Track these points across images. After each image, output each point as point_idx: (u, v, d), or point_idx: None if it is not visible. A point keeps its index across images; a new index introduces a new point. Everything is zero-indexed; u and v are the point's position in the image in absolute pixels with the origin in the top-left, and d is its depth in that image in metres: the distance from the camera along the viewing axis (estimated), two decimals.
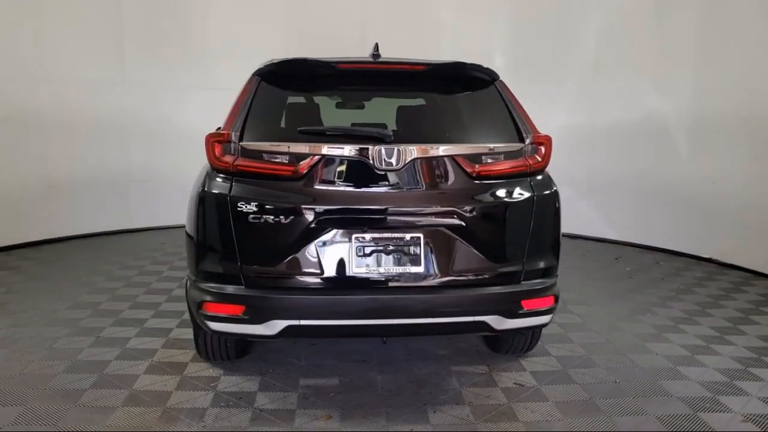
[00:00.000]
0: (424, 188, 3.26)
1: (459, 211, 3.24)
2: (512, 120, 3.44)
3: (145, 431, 3.20)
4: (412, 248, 3.22)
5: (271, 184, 3.20)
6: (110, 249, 7.35)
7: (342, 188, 3.21)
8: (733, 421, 3.40)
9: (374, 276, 3.20)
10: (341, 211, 3.20)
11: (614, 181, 8.00)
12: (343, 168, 3.21)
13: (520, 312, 3.32)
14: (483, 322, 3.29)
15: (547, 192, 3.41)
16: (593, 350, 4.40)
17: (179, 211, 7.99)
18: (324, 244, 3.19)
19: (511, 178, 3.35)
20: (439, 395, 3.68)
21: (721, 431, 3.30)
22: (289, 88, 3.58)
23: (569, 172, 7.44)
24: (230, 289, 3.22)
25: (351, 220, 3.21)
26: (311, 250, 3.19)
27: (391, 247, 3.21)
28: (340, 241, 3.20)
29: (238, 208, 3.15)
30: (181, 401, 3.53)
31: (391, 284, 3.22)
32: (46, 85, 7.54)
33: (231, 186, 3.19)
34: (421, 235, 3.23)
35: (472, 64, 3.55)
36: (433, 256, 3.23)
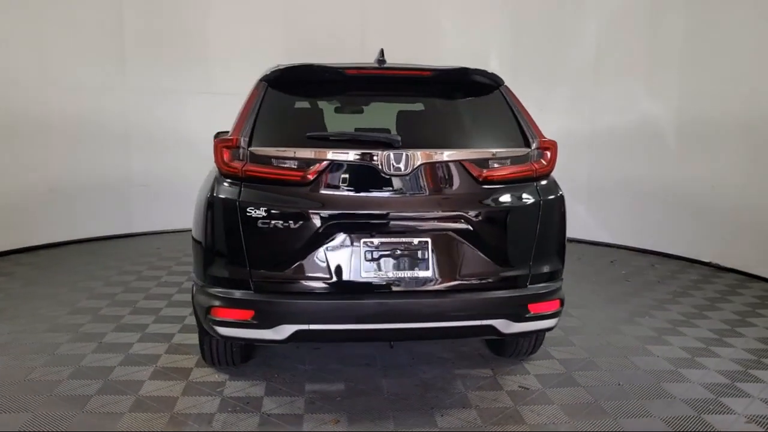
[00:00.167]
0: (431, 193, 3.29)
1: (466, 215, 3.27)
2: (518, 125, 3.47)
3: None
4: (420, 252, 3.24)
5: (280, 189, 3.21)
6: (106, 254, 7.32)
7: (350, 193, 3.23)
8: (737, 423, 3.44)
9: (383, 280, 3.22)
10: (350, 216, 3.22)
11: (608, 184, 8.07)
12: (351, 173, 3.22)
13: (527, 315, 3.35)
14: (490, 326, 3.31)
15: (553, 196, 3.44)
16: (595, 353, 4.44)
17: (177, 216, 8.18)
18: (333, 248, 3.21)
19: (517, 183, 3.38)
20: (445, 399, 3.70)
21: None
22: (297, 93, 3.60)
23: (563, 175, 7.49)
24: (239, 293, 3.23)
25: (359, 225, 3.22)
26: (320, 255, 3.20)
27: (399, 252, 3.23)
28: (348, 246, 3.21)
29: (248, 213, 3.16)
30: (188, 407, 3.52)
31: (399, 288, 3.23)
32: (47, 90, 7.54)
33: (240, 191, 3.20)
34: (429, 240, 3.25)
35: (477, 70, 3.58)
36: (441, 261, 3.25)
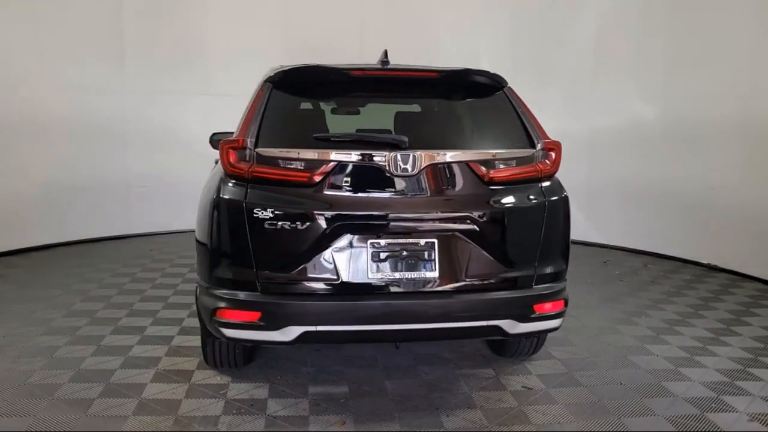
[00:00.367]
0: (438, 194, 3.29)
1: (473, 216, 3.28)
2: (523, 126, 3.48)
3: None
4: (426, 253, 3.24)
5: (287, 190, 3.20)
6: (98, 256, 7.25)
7: (357, 194, 3.23)
8: (740, 421, 3.48)
9: (390, 281, 3.22)
10: (357, 217, 3.21)
11: (600, 185, 8.12)
12: (358, 174, 3.22)
13: (533, 316, 3.36)
14: (497, 327, 3.31)
15: (558, 197, 3.46)
16: (595, 353, 4.46)
17: (176, 217, 8.16)
18: (340, 249, 3.20)
19: (523, 184, 3.40)
20: (450, 399, 3.71)
21: (731, 431, 3.37)
22: (302, 94, 3.60)
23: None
24: (246, 295, 3.21)
25: (367, 226, 3.22)
26: (327, 256, 3.19)
27: (405, 253, 3.23)
28: (355, 247, 3.21)
29: (254, 215, 3.15)
30: (193, 409, 3.50)
31: (406, 289, 3.23)
32: (45, 91, 7.50)
33: (247, 192, 3.18)
34: (435, 241, 3.25)
35: (481, 71, 3.59)
36: (448, 261, 3.26)
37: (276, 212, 3.15)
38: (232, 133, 4.96)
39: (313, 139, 3.35)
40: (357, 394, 3.76)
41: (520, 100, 3.60)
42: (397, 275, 3.22)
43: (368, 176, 3.22)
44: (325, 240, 3.18)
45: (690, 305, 5.70)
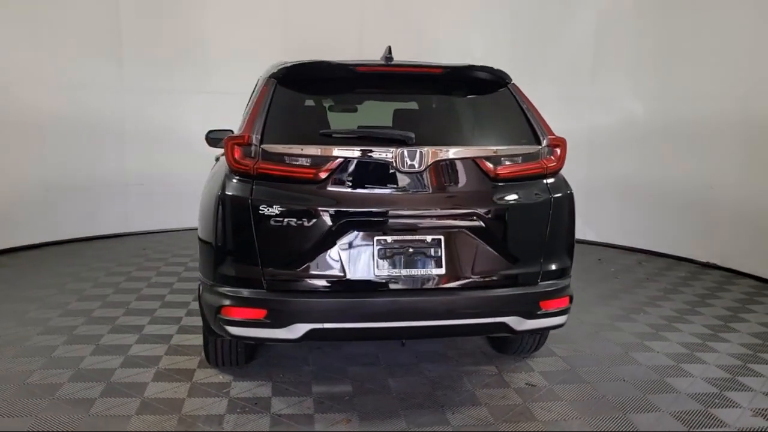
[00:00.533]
0: (445, 190, 3.28)
1: (479, 212, 3.26)
2: (528, 122, 3.48)
3: None
4: (433, 250, 3.23)
5: (293, 186, 3.18)
6: (90, 255, 7.17)
7: (364, 191, 3.20)
8: (744, 416, 3.49)
9: (396, 278, 3.20)
10: (364, 214, 3.19)
11: (595, 183, 8.13)
12: (365, 170, 3.20)
13: (539, 313, 3.35)
14: (503, 323, 3.30)
15: (564, 193, 3.45)
16: (596, 349, 4.47)
17: (173, 215, 8.13)
18: (346, 246, 3.18)
19: (529, 180, 3.39)
20: (454, 397, 3.70)
21: (736, 428, 3.38)
22: (307, 90, 3.56)
23: None
24: (251, 292, 3.18)
25: (373, 223, 3.20)
26: (333, 253, 3.17)
27: (412, 250, 3.21)
28: (362, 244, 3.19)
29: (260, 211, 3.12)
30: (196, 408, 3.47)
31: (413, 286, 3.21)
32: (42, 89, 7.45)
33: (252, 189, 3.15)
34: (441, 237, 3.24)
35: (486, 67, 3.58)
36: (454, 258, 3.24)
37: (282, 209, 3.12)
38: (229, 130, 4.94)
39: (319, 136, 3.33)
40: (361, 392, 3.74)
41: (525, 96, 3.59)
42: (403, 272, 3.20)
43: (375, 173, 3.20)
44: (332, 237, 3.16)
45: (686, 302, 5.73)
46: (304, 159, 3.18)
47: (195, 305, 5.28)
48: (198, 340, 4.46)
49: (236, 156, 3.20)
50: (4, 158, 7.22)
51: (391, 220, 3.22)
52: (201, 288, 3.50)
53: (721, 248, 7.00)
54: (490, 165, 3.29)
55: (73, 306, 5.23)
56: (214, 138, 4.88)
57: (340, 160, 3.17)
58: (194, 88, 8.40)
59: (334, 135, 3.33)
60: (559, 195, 3.43)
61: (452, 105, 3.74)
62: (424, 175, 3.22)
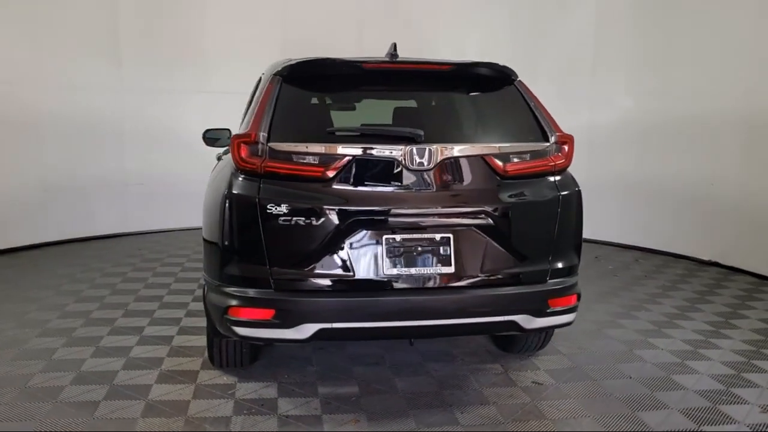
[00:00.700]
0: (454, 188, 3.26)
1: (488, 210, 3.24)
2: (535, 119, 3.46)
3: None
4: (442, 248, 3.20)
5: (301, 185, 3.14)
6: (86, 256, 7.09)
7: (373, 189, 3.17)
8: (753, 413, 3.49)
9: (405, 277, 3.17)
10: (372, 212, 3.16)
11: (595, 181, 8.12)
12: (373, 168, 3.17)
13: (548, 311, 3.33)
14: (513, 322, 3.28)
15: (572, 191, 3.44)
16: (600, 347, 4.47)
17: (173, 215, 8.09)
18: (355, 245, 3.14)
19: (537, 178, 3.37)
20: (461, 396, 3.67)
21: (746, 424, 3.37)
22: (312, 88, 3.52)
23: None
24: (259, 292, 3.14)
25: (382, 221, 3.17)
26: (342, 252, 3.14)
27: (421, 248, 3.19)
28: (371, 243, 3.15)
29: (268, 210, 3.08)
30: (202, 410, 3.42)
31: (422, 285, 3.19)
32: (41, 89, 7.40)
33: (259, 187, 3.11)
34: (450, 236, 3.21)
35: (492, 64, 3.55)
36: (463, 257, 3.22)
37: (290, 208, 3.08)
38: (226, 129, 4.92)
39: (326, 133, 3.30)
40: (367, 392, 3.71)
41: (531, 93, 3.57)
42: (412, 271, 3.17)
43: (383, 171, 3.17)
44: (340, 235, 3.13)
45: (686, 299, 5.74)
46: (311, 157, 3.14)
47: (194, 306, 5.24)
48: (199, 341, 4.42)
49: (243, 154, 3.15)
50: (3, 158, 7.16)
51: (399, 219, 3.19)
52: (206, 288, 3.45)
53: (718, 245, 7.00)
54: (499, 162, 3.27)
55: (71, 307, 5.17)
56: (211, 137, 4.85)
57: (349, 158, 3.13)
58: (194, 87, 8.36)
59: (342, 133, 3.30)
60: (567, 192, 3.41)
61: (459, 102, 3.71)
62: (433, 173, 3.19)
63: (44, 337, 4.46)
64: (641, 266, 7.07)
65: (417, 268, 3.18)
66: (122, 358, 4.10)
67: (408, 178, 3.18)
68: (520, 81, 3.61)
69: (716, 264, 7.01)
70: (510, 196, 3.29)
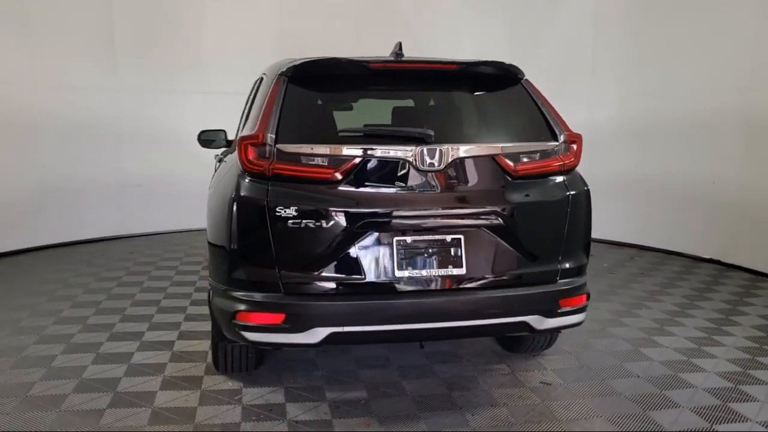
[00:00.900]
0: (464, 189, 3.22)
1: (499, 211, 3.21)
2: (544, 118, 3.43)
3: None
4: (453, 250, 3.16)
5: (310, 187, 3.09)
6: (75, 260, 6.99)
7: (383, 190, 3.13)
8: (764, 410, 3.49)
9: (417, 279, 3.13)
10: (383, 214, 3.11)
11: (593, 180, 8.12)
12: (384, 170, 3.12)
13: (559, 311, 3.31)
14: (524, 323, 3.25)
15: (581, 190, 3.42)
16: (606, 346, 4.45)
17: (171, 216, 8.05)
18: (365, 247, 3.10)
19: (547, 177, 3.35)
20: (471, 398, 3.64)
21: (759, 422, 3.37)
22: (319, 88, 3.46)
23: None
24: (268, 296, 3.09)
25: (392, 223, 3.12)
26: (352, 254, 3.09)
27: (432, 250, 3.15)
28: (381, 245, 3.11)
29: (277, 213, 3.03)
30: (210, 417, 3.37)
31: (434, 287, 3.15)
32: (40, 91, 7.36)
33: (268, 190, 3.06)
34: (461, 237, 3.17)
35: (499, 62, 3.52)
36: (474, 258, 3.18)
37: (299, 210, 3.03)
38: (221, 130, 4.86)
39: (334, 134, 3.26)
40: (376, 395, 3.67)
41: (538, 91, 3.54)
42: (423, 273, 3.13)
43: (393, 171, 3.12)
44: (350, 238, 3.08)
45: (685, 296, 5.75)
46: (320, 159, 3.09)
47: (192, 310, 5.18)
48: (201, 345, 4.37)
49: (250, 156, 3.10)
50: (9, 159, 7.17)
51: (410, 220, 3.15)
52: (212, 293, 3.39)
53: (717, 243, 6.99)
54: (509, 162, 3.24)
55: (66, 313, 5.08)
56: (206, 139, 4.79)
57: (358, 159, 3.09)
58: (189, 87, 8.31)
59: (351, 134, 3.25)
60: (576, 191, 3.39)
61: (467, 101, 3.68)
62: (444, 174, 3.15)
63: (42, 344, 4.37)
64: (637, 264, 7.08)
65: (428, 270, 3.14)
66: (124, 365, 4.03)
67: (418, 179, 3.14)
68: (527, 80, 3.58)
69: (717, 262, 7.01)
70: (520, 196, 3.26)
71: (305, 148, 3.09)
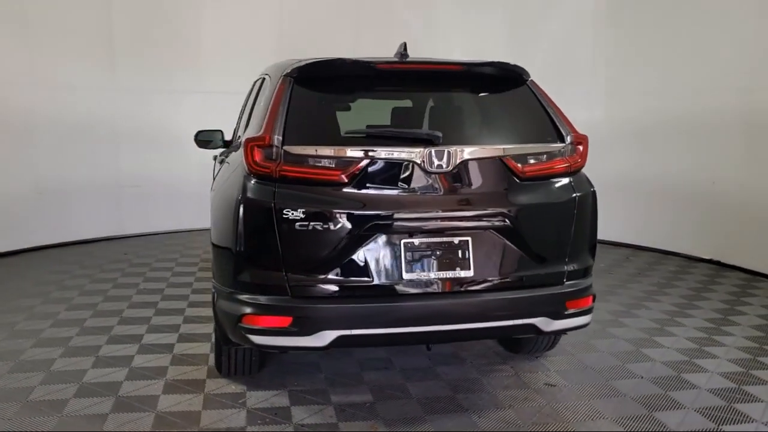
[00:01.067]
0: (472, 190, 3.20)
1: (506, 212, 3.19)
2: (550, 119, 3.42)
3: None
4: (460, 252, 3.15)
5: (318, 189, 3.06)
6: (68, 261, 6.91)
7: (391, 192, 3.11)
8: None
9: (425, 281, 3.11)
10: (390, 216, 3.08)
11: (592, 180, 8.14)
12: (391, 171, 3.10)
13: (566, 313, 3.30)
14: (532, 325, 3.24)
15: (587, 191, 3.41)
16: (608, 347, 4.46)
17: (169, 217, 8.02)
18: (373, 249, 3.08)
19: (555, 178, 3.34)
20: (476, 400, 3.63)
21: (765, 422, 3.38)
22: (325, 89, 3.43)
23: None
24: (275, 299, 3.06)
25: (400, 225, 3.09)
26: (360, 257, 3.07)
27: (440, 252, 3.13)
28: (389, 247, 3.09)
29: (284, 215, 3.00)
30: (215, 421, 3.33)
31: (442, 289, 3.13)
32: (37, 91, 7.30)
33: (275, 192, 3.03)
34: (469, 239, 3.16)
35: (504, 63, 3.50)
36: (482, 260, 3.17)
37: (306, 212, 3.01)
38: (218, 130, 4.81)
39: (342, 136, 3.23)
40: (381, 398, 3.65)
41: (544, 92, 3.53)
42: (431, 275, 3.11)
43: (401, 173, 3.10)
44: (358, 240, 3.06)
45: (683, 296, 5.77)
46: (328, 160, 3.07)
47: (191, 312, 5.13)
48: (201, 348, 4.33)
49: (257, 158, 3.07)
50: (6, 160, 7.10)
51: (418, 222, 3.13)
52: (216, 296, 3.36)
53: (715, 243, 7.02)
54: (516, 164, 3.23)
55: (63, 316, 5.02)
56: (203, 139, 4.75)
57: (366, 161, 3.06)
58: (187, 87, 8.25)
59: (358, 135, 3.23)
60: (583, 193, 3.38)
61: (473, 102, 3.66)
62: (452, 176, 3.14)
63: (40, 348, 4.31)
64: (633, 264, 7.10)
65: (436, 272, 3.12)
66: (124, 368, 3.99)
67: (426, 181, 3.12)
68: (532, 81, 3.57)
69: (713, 262, 7.02)
70: (528, 198, 3.25)
71: (313, 150, 3.06)
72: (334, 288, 3.09)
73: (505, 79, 3.54)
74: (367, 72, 3.40)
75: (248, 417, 3.38)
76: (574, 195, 3.34)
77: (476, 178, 3.20)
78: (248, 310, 3.06)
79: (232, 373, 3.80)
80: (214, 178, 4.39)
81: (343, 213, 3.04)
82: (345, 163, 3.06)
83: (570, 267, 3.35)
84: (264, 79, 3.94)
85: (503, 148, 3.23)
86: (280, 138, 3.06)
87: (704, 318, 5.13)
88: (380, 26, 8.60)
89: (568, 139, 3.37)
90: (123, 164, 8.11)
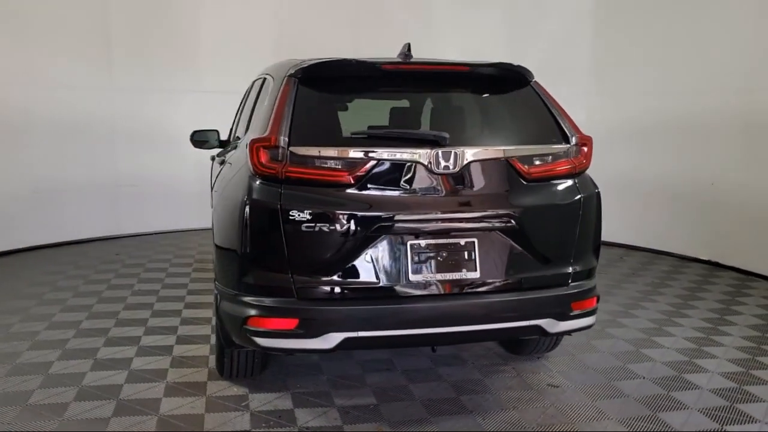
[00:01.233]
0: (478, 191, 3.19)
1: (513, 213, 3.19)
2: (555, 120, 3.41)
3: None
4: (467, 253, 3.14)
5: (324, 190, 3.04)
6: (61, 262, 6.84)
7: (397, 193, 3.09)
8: None
9: (431, 283, 3.10)
10: (397, 218, 3.06)
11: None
12: (398, 172, 3.08)
13: (571, 314, 3.30)
14: (537, 326, 3.24)
15: (592, 192, 3.41)
16: (608, 347, 4.47)
17: (167, 217, 8.02)
18: (379, 251, 3.06)
19: (560, 180, 3.34)
20: (480, 402, 3.63)
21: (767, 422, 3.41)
22: (329, 90, 3.41)
23: None
24: (281, 301, 3.03)
25: (407, 227, 3.08)
26: (366, 258, 3.05)
27: (446, 253, 3.12)
28: (395, 248, 3.07)
29: (290, 217, 2.97)
30: (219, 424, 3.30)
31: (448, 291, 3.12)
32: (33, 90, 7.26)
33: (281, 193, 3.00)
34: (475, 240, 3.15)
35: (508, 64, 3.49)
36: (488, 261, 3.16)
37: (313, 214, 2.98)
38: (214, 130, 4.78)
39: (348, 137, 3.21)
40: (384, 400, 3.63)
41: (548, 93, 3.53)
42: (438, 277, 3.10)
43: (408, 174, 3.08)
44: (364, 241, 3.04)
45: (678, 296, 5.80)
46: (334, 162, 3.05)
47: (187, 313, 5.09)
48: (201, 350, 4.30)
49: (262, 159, 3.04)
50: (3, 159, 7.05)
51: (424, 224, 3.11)
52: (220, 298, 3.33)
53: (713, 243, 7.06)
54: (522, 165, 3.22)
55: (58, 317, 4.97)
56: (199, 139, 4.72)
57: (372, 162, 3.05)
58: (185, 87, 8.22)
59: (365, 136, 3.21)
60: (588, 194, 3.38)
61: (478, 103, 3.65)
62: (458, 177, 3.13)
63: (36, 350, 4.26)
64: (627, 263, 7.13)
65: (442, 274, 3.11)
66: (124, 371, 3.94)
67: (433, 182, 3.11)
68: (536, 81, 3.57)
69: (716, 264, 7.03)
70: (533, 199, 3.25)
71: (318, 151, 3.04)
72: (341, 290, 3.07)
73: (509, 80, 3.53)
74: (372, 72, 3.39)
75: (252, 420, 3.35)
76: (579, 196, 3.34)
77: (482, 180, 3.19)
78: (254, 312, 3.04)
79: (234, 375, 3.77)
80: (213, 179, 4.36)
81: (350, 214, 3.02)
82: (351, 164, 3.04)
83: (575, 268, 3.35)
84: (265, 79, 3.91)
85: (509, 150, 3.22)
86: (286, 139, 3.04)
87: (701, 318, 5.15)
88: (377, 26, 8.60)
89: (573, 141, 3.37)
90: (120, 164, 8.06)
